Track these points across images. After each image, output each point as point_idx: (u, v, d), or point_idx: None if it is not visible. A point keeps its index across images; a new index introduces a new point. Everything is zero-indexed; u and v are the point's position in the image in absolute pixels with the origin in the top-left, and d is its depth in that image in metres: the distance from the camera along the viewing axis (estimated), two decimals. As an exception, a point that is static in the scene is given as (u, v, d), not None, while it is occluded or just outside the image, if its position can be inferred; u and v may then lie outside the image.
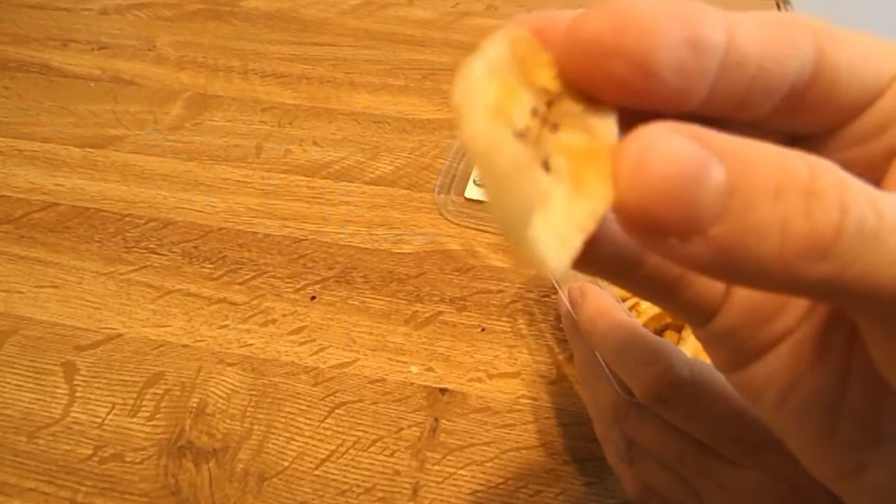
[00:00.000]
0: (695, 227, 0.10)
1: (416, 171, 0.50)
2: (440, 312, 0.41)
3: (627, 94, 0.11)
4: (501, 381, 0.38)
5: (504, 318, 0.41)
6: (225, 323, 0.40)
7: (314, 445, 0.35)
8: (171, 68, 0.60)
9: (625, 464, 0.28)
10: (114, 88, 0.58)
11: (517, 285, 0.43)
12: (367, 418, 0.36)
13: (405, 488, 0.33)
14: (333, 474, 0.34)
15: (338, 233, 0.46)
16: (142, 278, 0.43)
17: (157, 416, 0.36)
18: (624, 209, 0.11)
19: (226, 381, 0.38)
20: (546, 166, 0.11)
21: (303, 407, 0.37)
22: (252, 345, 0.39)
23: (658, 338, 0.25)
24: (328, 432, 0.36)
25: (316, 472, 0.34)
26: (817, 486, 0.15)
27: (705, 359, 0.29)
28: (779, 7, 0.67)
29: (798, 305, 0.15)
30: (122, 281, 0.43)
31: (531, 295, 0.42)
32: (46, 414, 0.36)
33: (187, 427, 0.36)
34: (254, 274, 0.43)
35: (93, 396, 0.37)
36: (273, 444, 0.35)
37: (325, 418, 0.36)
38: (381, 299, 0.42)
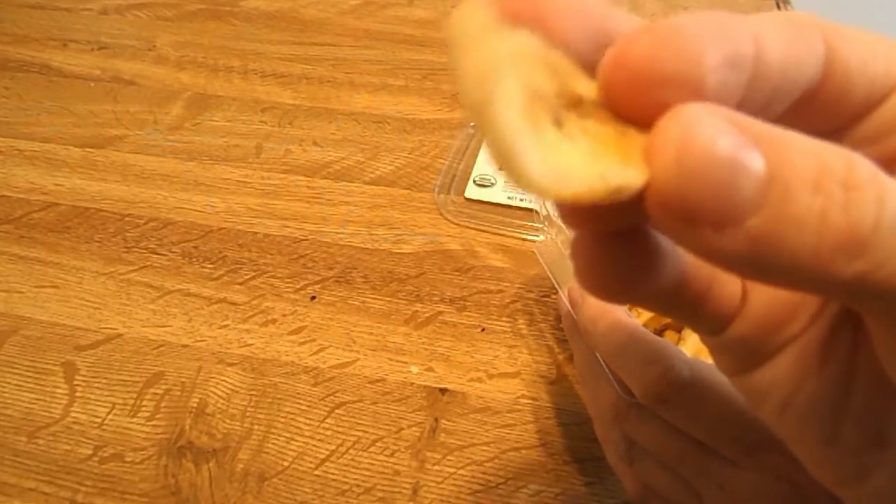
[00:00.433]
0: (732, 216, 0.10)
1: (416, 171, 0.50)
2: (440, 312, 0.41)
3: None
4: (501, 381, 0.38)
5: (504, 318, 0.41)
6: (225, 323, 0.40)
7: (314, 445, 0.35)
8: (171, 68, 0.60)
9: (625, 464, 0.28)
10: (114, 88, 0.58)
11: (517, 285, 0.43)
12: (367, 418, 0.36)
13: (405, 488, 0.33)
14: (333, 474, 0.34)
15: (338, 233, 0.46)
16: (142, 278, 0.43)
17: (157, 416, 0.36)
18: (659, 193, 0.10)
19: (226, 381, 0.38)
20: (557, 123, 0.10)
21: (303, 407, 0.37)
22: (252, 345, 0.39)
23: (658, 338, 0.25)
24: (328, 432, 0.36)
25: (316, 472, 0.34)
26: (817, 487, 0.15)
27: (705, 359, 0.29)
28: (779, 7, 0.67)
29: (807, 310, 0.14)
30: (122, 281, 0.43)
31: (531, 295, 0.42)
32: (46, 414, 0.36)
33: (187, 427, 0.36)
34: (254, 274, 0.43)
35: (93, 396, 0.37)
36: (273, 444, 0.35)
37: (325, 418, 0.36)
38: (381, 299, 0.42)
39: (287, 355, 0.39)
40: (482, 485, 0.34)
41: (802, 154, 0.10)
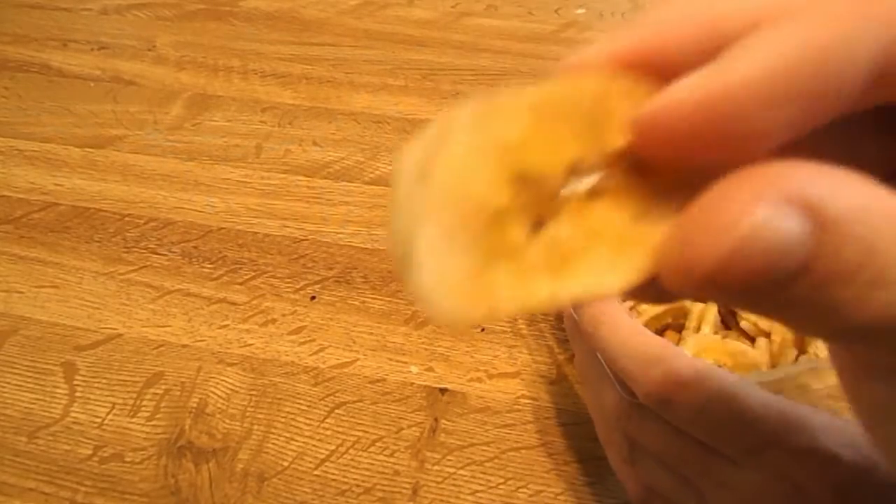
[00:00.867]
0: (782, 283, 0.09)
1: (416, 171, 0.50)
2: (440, 312, 0.41)
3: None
4: (501, 381, 0.38)
5: (504, 318, 0.41)
6: (225, 323, 0.40)
7: (314, 445, 0.35)
8: (171, 68, 0.60)
9: (627, 465, 0.28)
10: (114, 88, 0.58)
11: (517, 285, 0.42)
12: (367, 418, 0.36)
13: (405, 488, 0.33)
14: (333, 474, 0.34)
15: (338, 233, 0.46)
16: (142, 278, 0.43)
17: (157, 416, 0.36)
18: (694, 278, 0.10)
19: (226, 381, 0.38)
20: (539, 224, 0.11)
21: (303, 407, 0.37)
22: (252, 345, 0.39)
23: (659, 338, 0.25)
24: (328, 432, 0.35)
25: (316, 472, 0.34)
26: (819, 486, 0.15)
27: (706, 359, 0.29)
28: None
29: None
30: (122, 281, 0.43)
31: (531, 295, 0.42)
32: (46, 414, 0.36)
33: (187, 427, 0.36)
34: (254, 274, 0.43)
35: (93, 396, 0.37)
36: (273, 444, 0.35)
37: (324, 418, 0.36)
38: (381, 299, 0.42)
39: (287, 355, 0.39)
40: (482, 485, 0.34)
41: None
